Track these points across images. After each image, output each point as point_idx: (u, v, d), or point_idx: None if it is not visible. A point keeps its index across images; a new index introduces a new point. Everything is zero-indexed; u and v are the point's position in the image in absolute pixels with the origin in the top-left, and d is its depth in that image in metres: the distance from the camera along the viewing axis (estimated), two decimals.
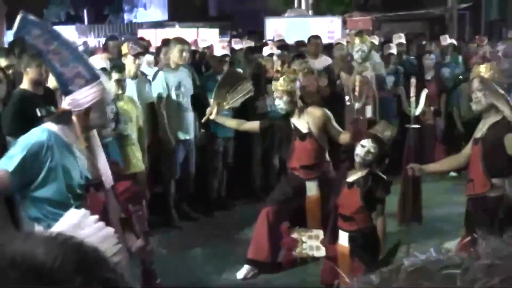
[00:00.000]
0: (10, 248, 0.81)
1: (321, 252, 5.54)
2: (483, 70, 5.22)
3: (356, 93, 6.64)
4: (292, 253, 5.73)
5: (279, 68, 6.26)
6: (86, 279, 0.80)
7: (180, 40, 7.72)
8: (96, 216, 1.55)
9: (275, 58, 8.68)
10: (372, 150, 4.96)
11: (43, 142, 3.40)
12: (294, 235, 5.71)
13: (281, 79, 5.90)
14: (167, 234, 7.29)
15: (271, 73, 7.61)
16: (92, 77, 3.41)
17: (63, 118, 3.49)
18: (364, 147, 4.97)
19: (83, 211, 1.57)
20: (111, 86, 6.66)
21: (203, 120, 6.55)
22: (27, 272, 0.78)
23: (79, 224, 1.49)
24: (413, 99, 5.93)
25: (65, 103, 3.49)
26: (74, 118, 3.48)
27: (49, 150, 3.39)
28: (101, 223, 1.52)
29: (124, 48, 7.38)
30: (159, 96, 7.37)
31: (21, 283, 0.77)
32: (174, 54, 7.52)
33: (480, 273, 0.69)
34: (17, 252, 0.80)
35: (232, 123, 6.50)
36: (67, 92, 3.44)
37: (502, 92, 5.12)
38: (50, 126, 3.49)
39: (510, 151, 4.93)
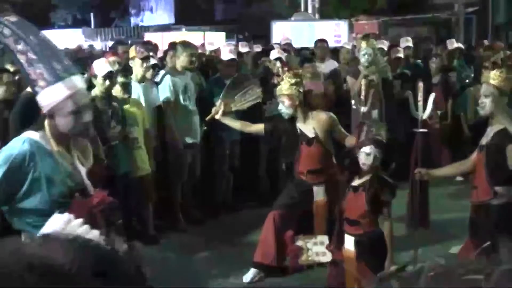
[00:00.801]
0: (27, 252, 0.81)
1: (327, 258, 5.53)
2: (494, 76, 5.13)
3: (362, 97, 6.63)
4: (298, 261, 5.70)
5: (280, 73, 6.23)
6: (105, 281, 0.79)
7: (188, 45, 7.72)
8: (80, 220, 1.52)
9: (278, 63, 8.66)
10: (377, 155, 4.95)
11: (24, 153, 3.31)
12: (299, 243, 5.70)
13: (282, 83, 5.90)
14: (174, 237, 7.28)
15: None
16: (52, 79, 3.29)
17: (41, 123, 3.44)
18: (369, 155, 4.96)
19: (66, 215, 1.53)
20: (115, 90, 6.71)
21: (207, 118, 6.55)
22: (45, 276, 0.78)
23: (64, 229, 1.47)
24: (420, 103, 5.90)
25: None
26: (45, 122, 3.41)
27: (32, 160, 3.32)
28: (86, 227, 1.49)
29: (132, 52, 7.39)
30: (166, 100, 7.37)
31: (38, 287, 0.76)
32: (182, 59, 7.52)
33: (503, 279, 0.68)
34: (34, 256, 0.80)
35: (237, 124, 6.46)
36: (36, 94, 3.39)
37: (506, 105, 5.05)
38: (30, 135, 3.41)
39: (511, 162, 4.86)
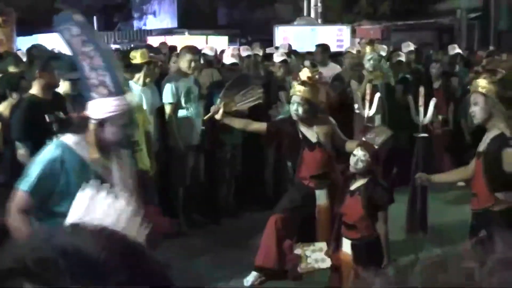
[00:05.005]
0: (60, 240, 0.85)
1: (327, 263, 5.52)
2: (482, 83, 5.06)
3: (367, 102, 6.63)
4: (298, 269, 5.70)
5: (304, 76, 6.11)
6: (132, 272, 0.82)
7: (189, 50, 7.75)
8: (104, 193, 1.50)
9: (278, 63, 8.69)
10: (362, 157, 4.96)
11: (56, 159, 3.40)
12: (297, 251, 5.70)
13: (299, 84, 5.84)
14: (175, 240, 7.29)
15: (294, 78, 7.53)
16: (116, 90, 3.36)
17: (81, 125, 3.48)
18: (355, 156, 4.99)
19: (89, 191, 1.53)
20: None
21: (205, 118, 6.52)
22: (77, 262, 0.81)
23: (89, 205, 1.47)
24: (421, 108, 5.92)
25: (87, 109, 3.47)
26: (90, 126, 3.46)
27: (63, 165, 3.40)
28: (110, 199, 1.47)
29: (135, 55, 7.41)
30: (169, 103, 7.39)
31: (70, 273, 0.80)
32: (183, 63, 7.55)
33: (497, 267, 0.70)
34: (67, 243, 0.83)
35: (239, 123, 6.34)
36: (89, 98, 3.42)
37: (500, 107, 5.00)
38: (66, 139, 3.48)
39: (506, 167, 4.82)
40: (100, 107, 3.38)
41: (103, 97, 3.35)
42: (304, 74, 5.92)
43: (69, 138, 3.49)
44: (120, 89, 3.38)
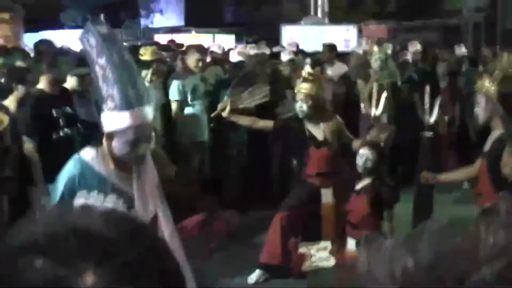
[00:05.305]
0: (71, 219, 0.87)
1: (331, 262, 5.53)
2: (483, 84, 5.06)
3: (374, 101, 6.63)
4: (302, 268, 5.70)
5: (304, 72, 6.15)
6: (140, 252, 0.84)
7: (197, 48, 7.79)
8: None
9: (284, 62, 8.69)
10: (370, 157, 4.97)
11: (74, 176, 3.41)
12: (302, 250, 5.70)
13: (304, 82, 5.88)
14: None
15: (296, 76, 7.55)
16: (122, 105, 3.29)
17: (100, 139, 3.47)
18: (362, 157, 4.99)
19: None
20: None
21: (213, 115, 6.54)
22: (87, 241, 0.83)
23: None
24: (427, 107, 5.92)
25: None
26: (103, 138, 3.45)
27: (81, 182, 3.41)
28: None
29: (144, 51, 7.44)
30: (176, 100, 7.41)
31: (80, 251, 0.82)
32: (191, 61, 7.58)
33: (501, 229, 0.71)
34: (78, 222, 0.85)
35: (245, 120, 6.36)
36: (102, 109, 3.41)
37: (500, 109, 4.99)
38: (84, 155, 3.47)
39: (503, 169, 4.79)
40: (107, 120, 3.36)
41: (110, 110, 3.32)
42: (306, 71, 5.98)
43: (87, 153, 3.47)
44: (126, 104, 3.28)
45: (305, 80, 5.89)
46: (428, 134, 6.04)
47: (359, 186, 5.09)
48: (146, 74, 7.11)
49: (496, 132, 4.94)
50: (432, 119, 5.92)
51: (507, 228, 0.72)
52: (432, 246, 0.75)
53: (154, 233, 0.93)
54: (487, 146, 5.05)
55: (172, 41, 12.14)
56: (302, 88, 5.87)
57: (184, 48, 9.52)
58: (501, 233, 0.72)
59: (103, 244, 0.83)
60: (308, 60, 8.90)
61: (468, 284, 0.72)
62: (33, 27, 18.03)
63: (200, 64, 7.63)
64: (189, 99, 7.47)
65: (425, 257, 0.75)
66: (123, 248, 0.84)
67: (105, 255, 0.82)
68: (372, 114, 6.41)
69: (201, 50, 7.79)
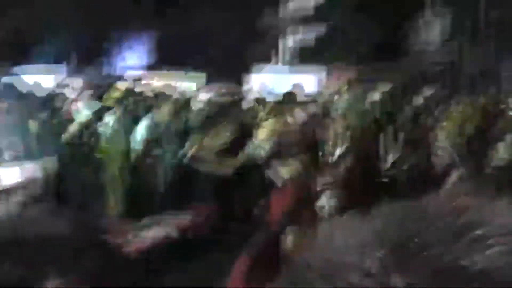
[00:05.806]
0: (35, 223, 0.90)
1: None
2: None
3: (337, 141, 6.67)
4: None
5: (261, 116, 6.26)
6: (101, 255, 0.86)
7: (168, 98, 7.84)
8: None
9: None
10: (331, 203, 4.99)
11: None
12: None
13: (261, 128, 5.93)
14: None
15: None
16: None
17: None
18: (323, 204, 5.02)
19: None
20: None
21: (176, 161, 6.52)
22: (52, 245, 0.86)
23: None
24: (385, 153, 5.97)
25: None
26: None
27: None
28: None
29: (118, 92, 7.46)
30: (141, 142, 7.39)
31: (45, 255, 0.85)
32: (162, 108, 7.60)
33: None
34: (43, 227, 0.89)
35: (209, 167, 6.35)
36: None
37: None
38: None
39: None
40: None
41: None
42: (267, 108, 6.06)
43: None
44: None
45: (261, 126, 5.95)
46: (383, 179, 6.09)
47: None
48: (115, 112, 7.09)
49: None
50: (388, 164, 5.98)
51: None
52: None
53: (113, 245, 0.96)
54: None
55: (141, 80, 12.05)
56: (261, 134, 5.92)
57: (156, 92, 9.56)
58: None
59: (67, 248, 0.85)
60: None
61: None
62: None
63: (172, 111, 7.64)
64: (155, 142, 7.45)
65: None
66: (86, 252, 0.86)
67: (68, 258, 0.84)
68: (334, 156, 6.46)
69: (172, 100, 7.83)
